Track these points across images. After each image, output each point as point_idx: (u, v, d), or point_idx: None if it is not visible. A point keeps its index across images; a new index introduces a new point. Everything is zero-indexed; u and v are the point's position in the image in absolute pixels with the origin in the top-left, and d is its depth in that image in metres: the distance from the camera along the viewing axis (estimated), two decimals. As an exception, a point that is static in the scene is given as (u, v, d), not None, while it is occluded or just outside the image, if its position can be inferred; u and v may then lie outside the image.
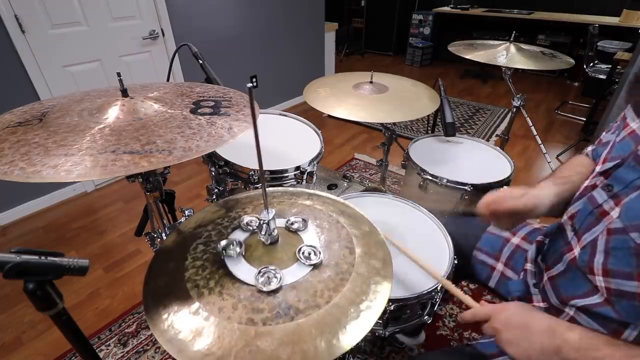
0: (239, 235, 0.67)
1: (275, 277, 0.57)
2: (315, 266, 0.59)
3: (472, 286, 1.66)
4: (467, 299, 0.72)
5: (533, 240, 0.90)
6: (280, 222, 0.69)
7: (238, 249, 0.62)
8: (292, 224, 0.68)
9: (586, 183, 0.70)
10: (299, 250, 0.61)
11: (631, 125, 0.65)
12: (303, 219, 0.69)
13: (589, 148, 0.82)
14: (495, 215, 0.77)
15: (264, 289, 0.55)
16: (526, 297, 0.81)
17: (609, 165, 0.65)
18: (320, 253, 0.61)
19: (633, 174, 0.58)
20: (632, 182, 0.58)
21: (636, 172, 0.58)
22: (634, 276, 0.55)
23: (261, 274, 0.57)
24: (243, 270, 0.59)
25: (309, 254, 0.61)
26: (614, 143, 0.68)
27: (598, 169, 0.68)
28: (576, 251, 0.66)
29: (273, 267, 0.58)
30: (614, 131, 0.73)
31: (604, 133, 0.78)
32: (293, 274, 0.58)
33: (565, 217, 0.73)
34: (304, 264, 0.59)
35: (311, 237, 0.66)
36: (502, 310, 0.65)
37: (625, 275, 0.56)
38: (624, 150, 0.63)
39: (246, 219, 0.69)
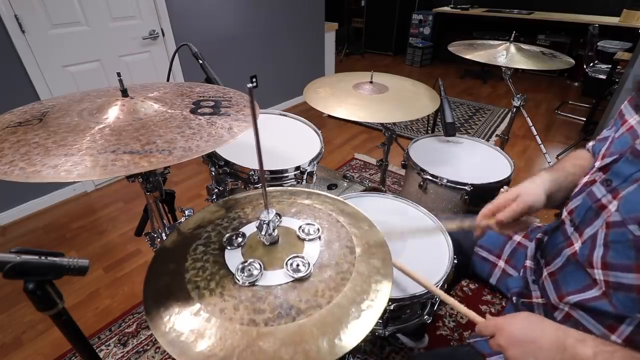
0: (251, 229, 0.67)
1: (254, 273, 0.57)
2: (298, 280, 0.57)
3: (472, 286, 1.66)
4: (471, 314, 0.68)
5: (534, 238, 0.90)
6: (294, 224, 0.68)
7: (240, 240, 0.63)
8: (302, 230, 0.66)
9: (585, 179, 0.70)
10: (287, 260, 0.59)
11: (629, 122, 0.65)
12: (318, 228, 0.67)
13: (591, 143, 0.82)
14: (500, 224, 0.73)
15: (239, 279, 0.56)
16: (525, 294, 0.82)
17: (607, 160, 0.65)
18: (309, 264, 0.58)
19: (631, 167, 0.59)
20: (631, 176, 0.58)
21: (634, 166, 0.58)
22: (633, 268, 0.55)
23: (244, 264, 0.58)
24: (236, 262, 0.60)
25: (297, 265, 0.59)
26: (612, 139, 0.69)
27: (597, 164, 0.68)
28: (577, 246, 0.66)
29: (258, 264, 0.58)
30: (611, 127, 0.73)
31: (604, 130, 0.78)
32: (274, 278, 0.57)
33: (564, 212, 0.73)
34: (289, 274, 0.57)
35: (312, 249, 0.63)
36: (506, 325, 0.61)
37: (624, 267, 0.56)
38: (622, 146, 0.63)
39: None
